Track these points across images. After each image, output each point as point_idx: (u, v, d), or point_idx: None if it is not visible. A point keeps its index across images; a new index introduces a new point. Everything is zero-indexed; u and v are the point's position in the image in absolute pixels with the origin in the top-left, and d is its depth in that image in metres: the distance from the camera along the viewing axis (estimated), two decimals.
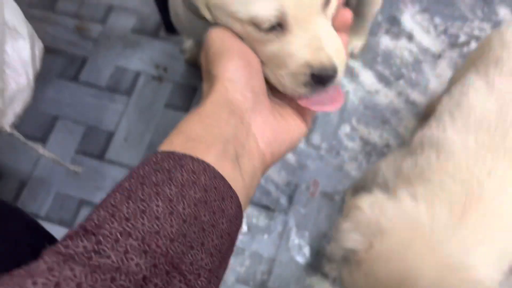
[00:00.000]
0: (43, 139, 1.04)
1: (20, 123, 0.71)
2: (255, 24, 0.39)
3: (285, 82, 0.41)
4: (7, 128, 0.61)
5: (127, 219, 0.27)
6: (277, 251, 0.94)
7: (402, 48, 1.09)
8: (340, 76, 0.41)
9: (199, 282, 0.28)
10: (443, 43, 1.09)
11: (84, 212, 0.99)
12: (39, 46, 0.62)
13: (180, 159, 0.31)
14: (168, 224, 0.28)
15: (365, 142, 1.02)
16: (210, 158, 0.33)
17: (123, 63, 1.10)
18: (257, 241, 0.95)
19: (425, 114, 1.02)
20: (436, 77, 1.06)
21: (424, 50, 1.09)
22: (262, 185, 0.99)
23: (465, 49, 1.08)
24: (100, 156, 1.02)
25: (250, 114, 0.38)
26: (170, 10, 0.72)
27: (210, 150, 0.33)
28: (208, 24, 0.42)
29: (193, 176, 0.31)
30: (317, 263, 0.92)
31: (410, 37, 1.10)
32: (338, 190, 0.98)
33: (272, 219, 0.96)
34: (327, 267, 0.92)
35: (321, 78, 0.40)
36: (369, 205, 0.55)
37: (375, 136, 1.02)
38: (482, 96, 0.60)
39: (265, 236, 0.95)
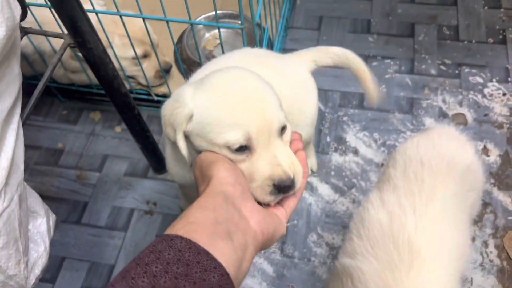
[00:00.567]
0: (52, 280, 1.19)
1: None
2: (228, 147, 0.54)
3: (256, 193, 0.54)
4: None
5: None
6: None
7: (350, 162, 1.30)
8: (299, 181, 0.55)
9: None
10: (383, 154, 1.31)
11: None
12: (53, 218, 0.81)
13: (171, 240, 0.41)
14: None
15: (331, 247, 1.18)
16: (204, 237, 0.42)
17: (118, 203, 1.29)
18: None
19: None
20: None
21: (369, 161, 1.30)
22: None
23: None
24: None
25: (241, 201, 0.49)
26: (166, 162, 0.84)
27: (205, 230, 0.43)
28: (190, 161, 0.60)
29: (178, 254, 0.40)
30: None
31: (355, 152, 1.32)
32: None
33: None
34: None
35: (280, 187, 0.54)
36: None
37: (338, 240, 1.19)
38: (377, 210, 0.74)
39: None
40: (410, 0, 1.64)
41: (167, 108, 0.61)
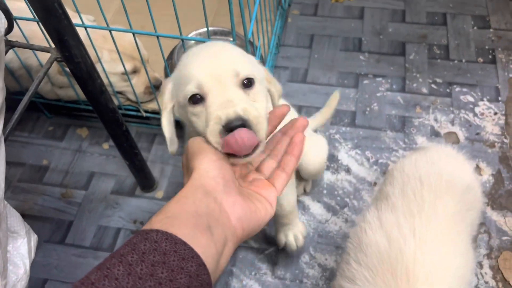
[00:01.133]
0: None
1: None
2: (188, 101, 0.56)
3: (209, 137, 0.52)
4: None
5: (93, 283, 0.36)
6: None
7: (342, 180, 1.28)
8: (260, 130, 0.53)
9: None
10: (376, 172, 1.29)
11: None
12: (34, 238, 0.77)
13: (146, 234, 0.40)
14: (125, 282, 0.36)
15: (323, 268, 1.15)
16: (183, 230, 0.41)
17: (104, 222, 1.25)
18: None
19: None
20: None
21: (361, 180, 1.28)
22: None
23: None
24: None
25: (222, 196, 0.47)
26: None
27: (184, 223, 0.42)
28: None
29: (155, 245, 0.39)
30: None
31: (348, 170, 1.30)
32: None
33: None
34: None
35: (230, 128, 0.51)
36: None
37: (331, 261, 1.16)
38: (375, 232, 0.71)
39: None
40: (400, 20, 1.66)
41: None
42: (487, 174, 1.28)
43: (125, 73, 1.17)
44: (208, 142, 0.53)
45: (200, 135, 0.56)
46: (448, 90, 1.45)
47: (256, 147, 0.53)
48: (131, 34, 1.05)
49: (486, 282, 1.11)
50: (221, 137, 0.52)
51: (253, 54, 1.22)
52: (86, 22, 1.06)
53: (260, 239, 1.19)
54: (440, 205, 0.72)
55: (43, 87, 1.28)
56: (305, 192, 1.26)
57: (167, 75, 1.35)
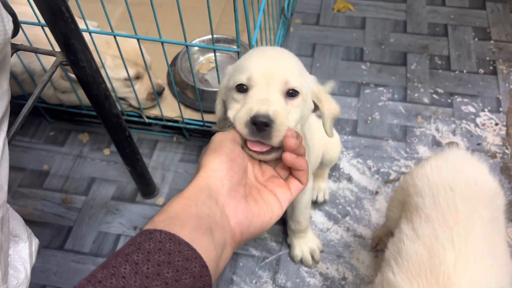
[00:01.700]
0: None
1: None
2: (236, 87, 0.61)
3: (236, 122, 0.57)
4: None
5: (100, 281, 0.36)
6: None
7: (344, 189, 1.28)
8: (280, 131, 0.55)
9: None
10: (377, 181, 1.29)
11: None
12: (35, 243, 0.76)
13: (150, 233, 0.41)
14: (133, 281, 0.36)
15: (325, 277, 1.14)
16: (185, 231, 0.42)
17: (104, 228, 1.24)
18: None
19: (372, 245, 1.16)
20: (376, 211, 1.23)
21: (363, 189, 1.28)
22: None
23: (397, 184, 1.28)
24: None
25: (225, 199, 0.48)
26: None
27: (186, 225, 0.43)
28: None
29: (159, 244, 0.40)
30: None
31: (349, 179, 1.30)
32: None
33: None
34: None
35: (255, 122, 0.55)
36: None
37: (332, 270, 1.15)
38: (412, 243, 0.70)
39: None
40: (402, 30, 1.67)
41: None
42: None
43: (128, 78, 1.17)
44: (231, 130, 0.57)
45: (227, 124, 0.60)
46: (449, 101, 1.46)
47: (271, 150, 0.57)
48: (134, 40, 1.05)
49: None
50: (245, 126, 0.56)
51: None
52: (90, 28, 1.06)
53: (261, 247, 1.18)
54: (475, 214, 0.71)
55: (45, 91, 1.27)
56: (324, 202, 1.25)
57: (170, 81, 1.35)
